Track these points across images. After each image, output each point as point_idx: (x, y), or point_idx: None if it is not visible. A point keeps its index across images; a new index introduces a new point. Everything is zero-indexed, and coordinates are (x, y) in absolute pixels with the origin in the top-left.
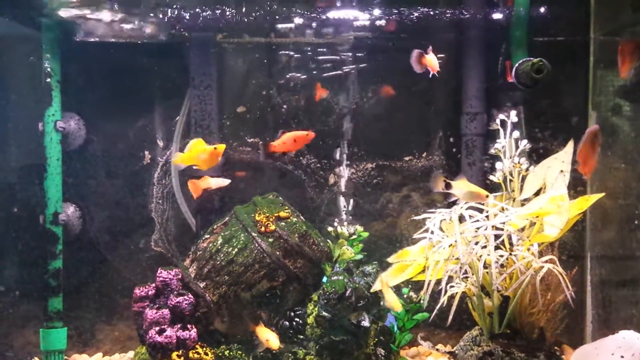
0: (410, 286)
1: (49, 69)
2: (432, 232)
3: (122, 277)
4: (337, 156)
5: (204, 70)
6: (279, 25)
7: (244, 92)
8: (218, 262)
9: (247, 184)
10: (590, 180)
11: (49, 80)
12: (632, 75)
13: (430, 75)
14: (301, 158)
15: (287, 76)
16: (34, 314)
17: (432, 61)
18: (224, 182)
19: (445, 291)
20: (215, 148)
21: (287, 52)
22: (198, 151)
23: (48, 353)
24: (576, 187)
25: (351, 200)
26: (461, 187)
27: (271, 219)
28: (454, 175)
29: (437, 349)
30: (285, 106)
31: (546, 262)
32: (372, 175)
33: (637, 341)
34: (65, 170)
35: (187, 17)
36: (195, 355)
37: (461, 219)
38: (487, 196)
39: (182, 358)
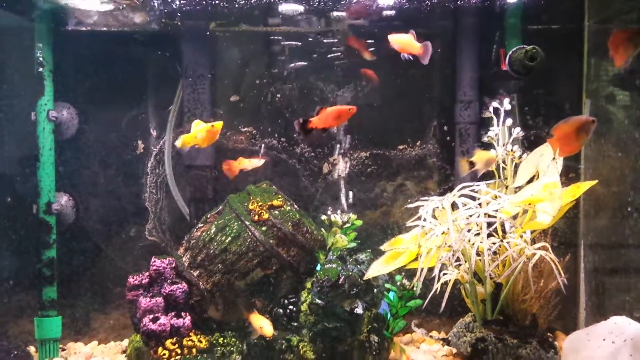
0: (403, 273)
1: (41, 59)
2: (424, 220)
3: (116, 266)
4: (332, 145)
5: (196, 59)
6: (273, 14)
7: (238, 81)
8: (212, 251)
9: (240, 173)
10: (584, 167)
11: (41, 69)
12: (627, 64)
13: (408, 58)
14: (295, 147)
15: (281, 65)
16: (28, 304)
17: (408, 43)
18: (259, 162)
19: (439, 278)
20: (212, 125)
21: (281, 41)
22: (196, 130)
23: (43, 341)
24: (568, 174)
25: (345, 189)
26: (481, 158)
27: (264, 208)
28: (448, 163)
29: (431, 336)
30: (279, 95)
31: (539, 249)
32: (366, 164)
33: (628, 326)
34: (58, 160)
35: (180, 5)
36: (189, 343)
37: (454, 207)
38: (496, 156)
39: (176, 345)
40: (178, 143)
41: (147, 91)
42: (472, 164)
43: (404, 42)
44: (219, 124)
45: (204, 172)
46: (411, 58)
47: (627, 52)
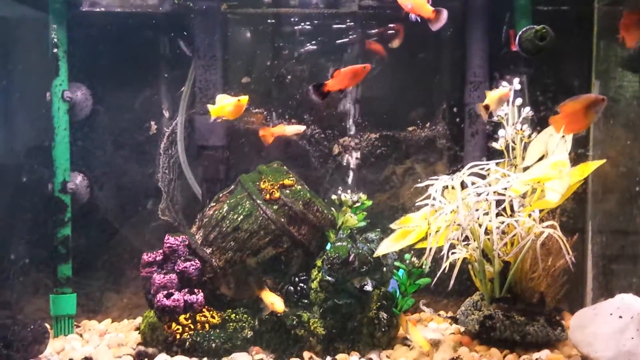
0: (412, 252)
1: (55, 40)
2: (434, 199)
3: (129, 245)
4: (342, 126)
5: (208, 41)
6: None
7: (249, 63)
8: (224, 229)
9: (251, 153)
10: (592, 148)
11: (55, 50)
12: (639, 45)
13: (416, 20)
14: (306, 129)
15: (292, 47)
16: (43, 282)
17: (420, 4)
18: (300, 128)
19: (447, 257)
20: (238, 100)
21: (291, 22)
22: (225, 104)
23: (58, 318)
24: (578, 155)
25: (354, 170)
26: (493, 99)
27: (276, 187)
28: (457, 145)
29: (439, 314)
30: (289, 77)
31: (547, 227)
32: (375, 145)
33: (635, 303)
34: (72, 140)
35: None
36: (202, 318)
37: (463, 186)
38: (509, 89)
39: (190, 321)
40: (211, 113)
41: (159, 72)
42: (487, 107)
43: (417, 1)
44: (244, 99)
45: (216, 153)
46: (419, 20)
47: (638, 33)
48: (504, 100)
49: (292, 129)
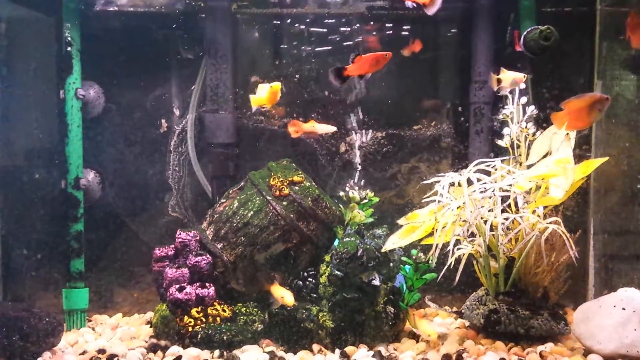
0: (419, 247)
1: (69, 38)
2: (441, 195)
3: (140, 240)
4: (348, 125)
5: (219, 40)
6: None
7: (258, 62)
8: (234, 224)
9: (260, 151)
10: (594, 146)
11: (69, 49)
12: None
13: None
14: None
15: (300, 46)
16: (54, 278)
17: None
18: (331, 128)
19: (453, 252)
20: (271, 86)
21: (300, 22)
22: (260, 92)
23: (71, 312)
24: (580, 154)
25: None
26: (507, 78)
27: (285, 183)
28: (462, 144)
29: (445, 309)
30: (297, 76)
31: (551, 223)
32: (382, 143)
33: (637, 296)
34: (85, 138)
35: None
36: (214, 312)
37: (469, 183)
38: (524, 76)
39: (201, 314)
40: (253, 103)
41: (170, 71)
42: (499, 81)
43: None
44: (276, 85)
45: (225, 150)
46: (415, 5)
47: None
48: (516, 83)
49: (322, 128)
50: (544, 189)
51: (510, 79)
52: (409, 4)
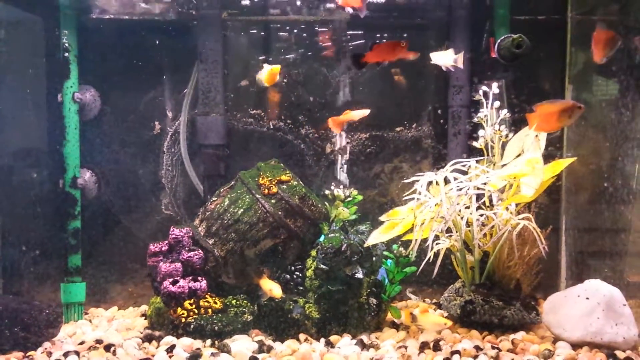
0: (399, 242)
1: (67, 44)
2: (419, 193)
3: (135, 237)
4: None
5: (210, 46)
6: (279, 5)
7: (247, 67)
8: (225, 221)
9: (249, 152)
10: (566, 147)
11: (67, 54)
12: (604, 60)
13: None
14: (300, 129)
15: (286, 52)
16: (52, 273)
17: None
18: (365, 112)
19: (432, 247)
20: (272, 68)
21: (287, 29)
22: (261, 72)
23: (69, 305)
24: (550, 153)
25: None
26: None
27: (273, 182)
28: (441, 144)
29: (424, 301)
30: (285, 80)
31: (522, 219)
32: (365, 144)
33: (601, 286)
34: (82, 139)
35: None
36: (206, 304)
37: (447, 182)
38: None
39: (194, 306)
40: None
41: (163, 75)
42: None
43: None
44: (277, 68)
45: (216, 151)
46: (352, 11)
47: (606, 50)
48: (456, 62)
49: (358, 114)
50: (516, 187)
51: (447, 57)
52: (347, 9)
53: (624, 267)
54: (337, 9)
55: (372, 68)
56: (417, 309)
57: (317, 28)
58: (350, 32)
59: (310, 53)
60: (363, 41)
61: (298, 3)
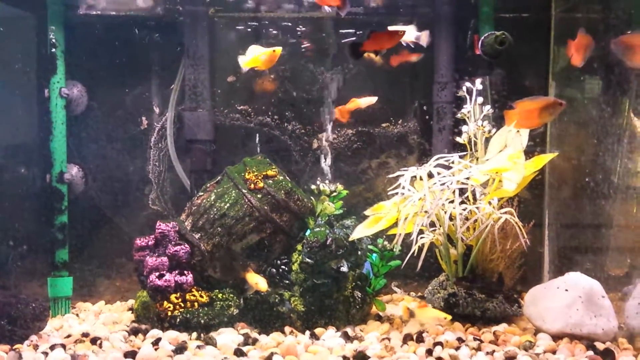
0: (384, 237)
1: (53, 40)
2: (403, 188)
3: (122, 232)
4: (320, 123)
5: (196, 42)
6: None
7: (234, 62)
8: (211, 216)
9: (236, 147)
10: (549, 143)
11: (54, 50)
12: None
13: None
14: (287, 124)
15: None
16: (39, 268)
17: None
18: (372, 99)
19: (416, 241)
20: (273, 50)
21: (273, 25)
22: (259, 55)
23: (56, 299)
24: (533, 148)
25: (331, 163)
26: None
27: (260, 177)
28: (426, 140)
29: (409, 294)
30: (272, 76)
31: (504, 213)
32: (352, 140)
33: (580, 279)
34: (69, 134)
35: None
36: (192, 297)
37: (430, 176)
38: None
39: (180, 300)
40: (242, 64)
41: (150, 71)
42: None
43: None
44: (279, 50)
45: (203, 146)
46: (329, 10)
47: (585, 55)
48: (419, 38)
49: (365, 101)
50: (498, 182)
51: (407, 33)
52: (325, 8)
53: (605, 260)
54: (319, 7)
55: (356, 66)
56: (414, 304)
57: (303, 24)
58: (336, 29)
59: (296, 49)
60: (354, 38)
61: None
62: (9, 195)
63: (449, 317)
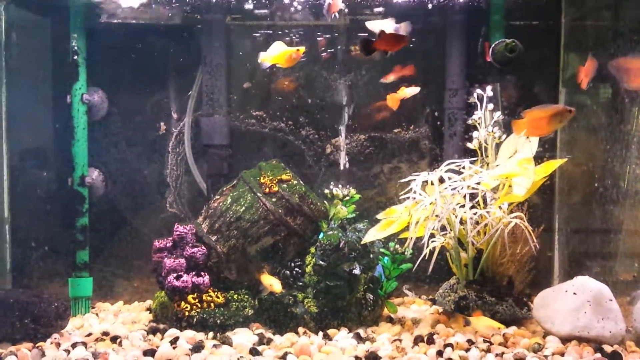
0: (396, 240)
1: (75, 48)
2: (415, 192)
3: (140, 234)
4: (333, 128)
5: (214, 50)
6: (282, 9)
7: (250, 69)
8: (227, 219)
9: (251, 152)
10: (559, 148)
11: (76, 57)
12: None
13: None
14: (301, 130)
15: None
16: (60, 268)
17: None
18: (415, 90)
19: (427, 245)
20: (297, 50)
21: (288, 33)
22: (282, 52)
23: (76, 299)
24: (543, 154)
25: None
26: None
27: (274, 182)
28: (438, 145)
29: (420, 297)
30: (286, 82)
31: (514, 217)
32: (365, 145)
33: (589, 282)
34: (90, 139)
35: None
36: (208, 298)
37: (441, 181)
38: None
39: (197, 300)
40: (261, 59)
41: (169, 78)
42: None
43: None
44: (302, 49)
45: (220, 151)
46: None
47: (590, 77)
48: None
49: (410, 91)
50: (508, 187)
51: (385, 26)
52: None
53: (613, 265)
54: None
55: (369, 72)
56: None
57: (317, 32)
58: (350, 37)
59: (310, 56)
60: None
61: (299, 8)
62: (32, 198)
63: (503, 326)
